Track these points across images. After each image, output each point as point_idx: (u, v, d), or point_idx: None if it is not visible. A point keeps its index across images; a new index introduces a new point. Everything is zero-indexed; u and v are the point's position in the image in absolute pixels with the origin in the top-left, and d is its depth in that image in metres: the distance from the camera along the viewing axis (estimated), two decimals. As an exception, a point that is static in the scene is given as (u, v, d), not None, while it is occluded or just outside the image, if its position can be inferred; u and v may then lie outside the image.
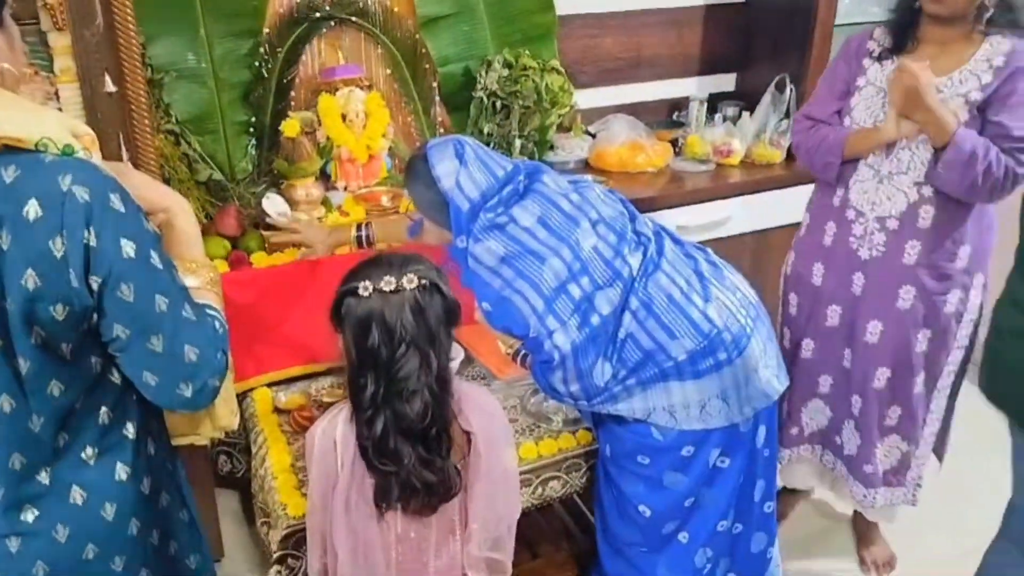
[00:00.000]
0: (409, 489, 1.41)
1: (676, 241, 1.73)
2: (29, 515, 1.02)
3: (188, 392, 1.03)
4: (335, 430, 1.45)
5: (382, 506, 1.44)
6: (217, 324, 1.08)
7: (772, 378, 1.68)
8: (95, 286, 0.94)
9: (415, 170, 1.67)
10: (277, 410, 2.09)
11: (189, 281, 1.08)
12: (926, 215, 1.89)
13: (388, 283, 1.35)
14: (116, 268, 0.94)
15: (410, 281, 1.35)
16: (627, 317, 1.58)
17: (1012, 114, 1.77)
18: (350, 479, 1.44)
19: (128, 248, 0.95)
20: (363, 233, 2.01)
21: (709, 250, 1.76)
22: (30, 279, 0.91)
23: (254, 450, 2.02)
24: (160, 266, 0.99)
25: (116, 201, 0.95)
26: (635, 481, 1.70)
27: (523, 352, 1.76)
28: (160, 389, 1.02)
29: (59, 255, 0.91)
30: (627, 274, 1.59)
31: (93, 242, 0.92)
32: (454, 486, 1.45)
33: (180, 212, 1.14)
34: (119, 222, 0.95)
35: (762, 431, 1.73)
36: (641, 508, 1.71)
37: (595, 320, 1.58)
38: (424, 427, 1.38)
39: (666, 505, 1.70)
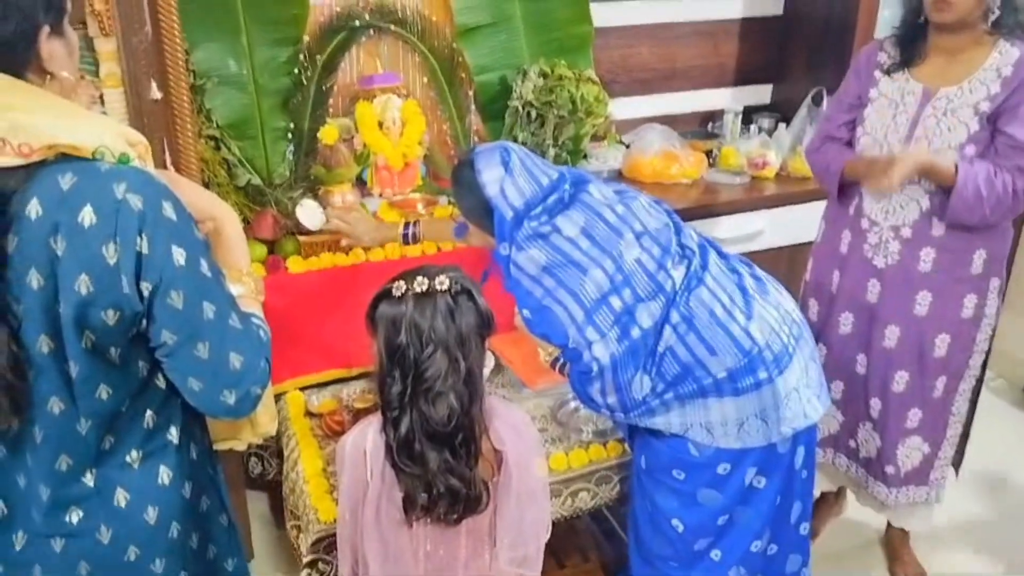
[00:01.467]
0: (435, 494, 1.41)
1: (721, 254, 1.72)
2: (74, 516, 1.04)
3: (231, 399, 1.04)
4: (365, 440, 1.46)
5: (411, 515, 1.45)
6: (262, 333, 1.10)
7: (813, 398, 1.66)
8: (146, 292, 0.96)
9: (461, 176, 1.68)
10: (309, 414, 2.11)
11: (235, 289, 1.09)
12: (940, 223, 1.89)
13: (421, 284, 1.37)
14: (167, 275, 0.96)
15: (442, 283, 1.37)
16: (668, 331, 1.57)
17: (1021, 124, 1.78)
18: (380, 488, 1.45)
19: (179, 255, 0.96)
20: (410, 231, 2.03)
21: (754, 264, 1.75)
22: (83, 284, 0.92)
23: (286, 453, 2.04)
24: (209, 274, 1.01)
25: (168, 209, 0.97)
26: (669, 495, 1.69)
27: (562, 360, 1.76)
28: (204, 395, 1.04)
29: (112, 261, 0.93)
30: (670, 287, 1.58)
31: (145, 249, 0.94)
32: (482, 499, 1.45)
33: (228, 221, 1.16)
34: (171, 230, 0.96)
35: (800, 452, 1.71)
36: (674, 522, 1.70)
37: (635, 333, 1.57)
38: (449, 432, 1.39)
39: (699, 521, 1.69)
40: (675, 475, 1.67)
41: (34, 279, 0.92)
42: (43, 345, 0.95)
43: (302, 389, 2.18)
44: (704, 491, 1.66)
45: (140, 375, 1.03)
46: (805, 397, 1.64)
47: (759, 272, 1.73)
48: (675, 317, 1.58)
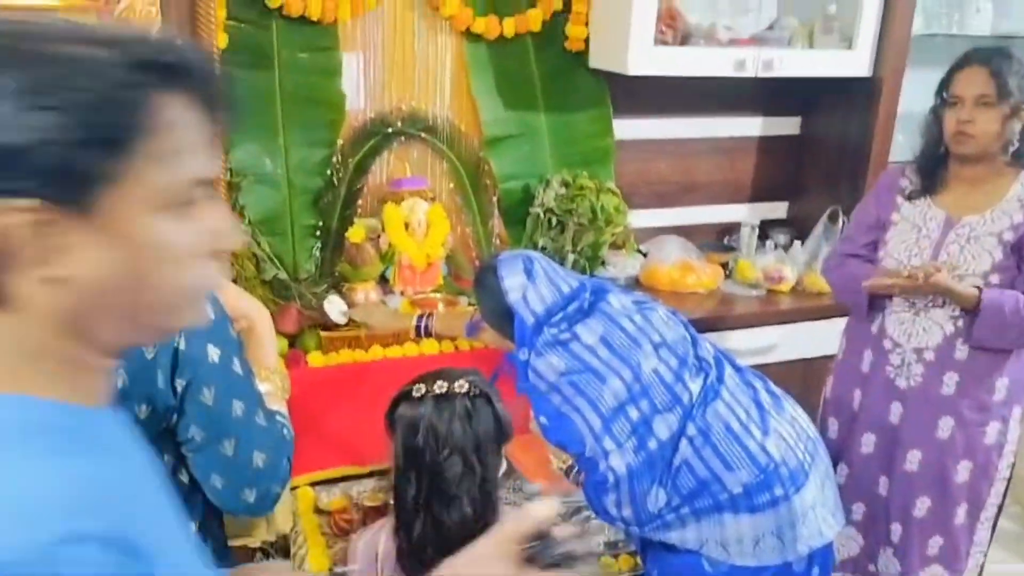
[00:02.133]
0: None
1: (736, 368, 1.73)
2: None
3: (251, 498, 1.06)
4: (378, 543, 1.46)
5: None
6: (285, 431, 1.12)
7: (828, 516, 1.64)
8: (179, 388, 0.99)
9: (484, 280, 1.72)
10: (318, 510, 2.09)
11: (263, 387, 1.12)
12: (963, 347, 1.89)
13: (440, 387, 1.39)
14: (201, 372, 0.99)
15: (461, 387, 1.39)
16: (684, 444, 1.58)
17: None
18: None
19: (214, 353, 1.00)
20: (422, 323, 2.07)
21: (768, 379, 1.76)
22: (120, 379, 0.95)
23: (293, 550, 2.02)
24: (240, 372, 1.04)
25: (207, 308, 1.00)
26: None
27: (576, 469, 1.75)
28: (225, 492, 1.05)
29: (149, 357, 0.96)
30: (687, 400, 1.60)
31: (183, 346, 0.98)
32: None
33: (261, 320, 1.20)
34: (209, 328, 1.00)
35: (815, 572, 1.68)
36: None
37: (652, 444, 1.58)
38: (463, 538, 1.38)
39: None
40: None
41: None
42: None
43: (312, 484, 2.17)
44: None
45: (166, 469, 1.04)
46: (821, 516, 1.62)
47: (773, 387, 1.74)
48: (691, 430, 1.58)
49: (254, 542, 1.25)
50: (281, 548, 2.14)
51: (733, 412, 1.61)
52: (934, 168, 1.95)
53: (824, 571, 1.71)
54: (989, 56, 1.81)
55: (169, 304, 0.60)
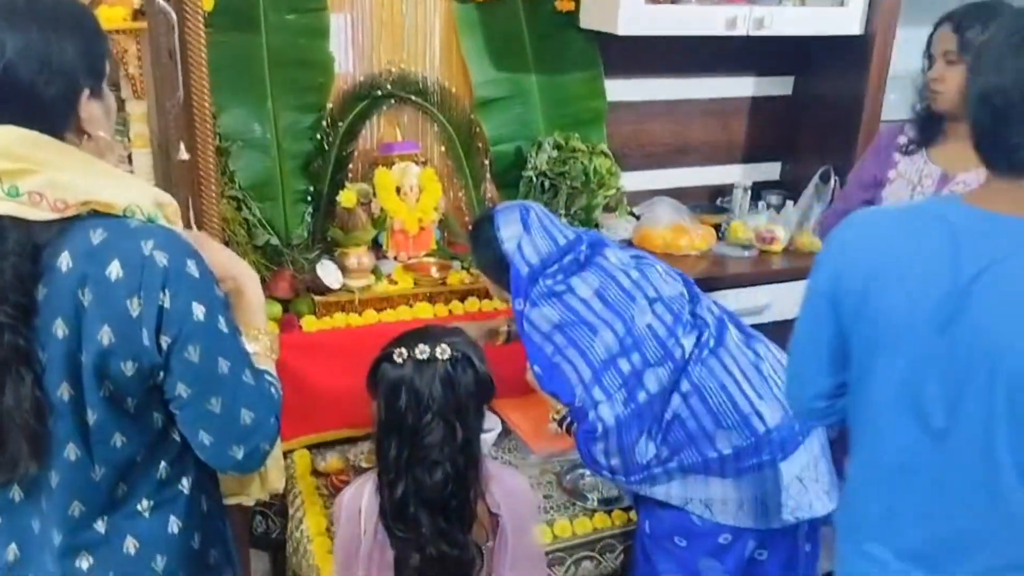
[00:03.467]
0: (426, 559, 1.41)
1: (746, 334, 1.73)
2: (84, 562, 1.05)
3: (239, 454, 1.06)
4: (362, 497, 1.47)
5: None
6: (273, 390, 1.13)
7: (823, 495, 1.65)
8: (164, 345, 0.99)
9: (480, 231, 1.73)
10: (315, 472, 2.11)
11: (251, 347, 1.13)
12: None
13: (423, 352, 1.39)
14: (186, 329, 0.99)
15: (443, 352, 1.39)
16: (676, 399, 1.59)
17: None
18: (371, 546, 1.45)
19: (199, 311, 1.00)
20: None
21: (775, 348, 1.76)
22: (105, 335, 0.96)
23: (291, 512, 2.04)
24: (226, 330, 1.04)
25: (192, 267, 1.00)
26: (670, 560, 1.69)
27: (568, 419, 1.78)
28: (213, 449, 1.06)
29: (135, 314, 0.96)
30: (679, 356, 1.61)
31: (168, 303, 0.98)
32: (475, 563, 1.45)
33: (249, 281, 1.20)
34: (193, 286, 1.00)
35: (803, 526, 1.70)
36: None
37: (642, 397, 1.59)
38: (444, 498, 1.40)
39: None
40: (677, 542, 1.67)
41: (59, 328, 0.95)
42: (64, 392, 0.97)
43: (309, 448, 2.19)
44: (705, 560, 1.66)
45: (156, 426, 1.06)
46: (813, 491, 1.63)
47: (781, 357, 1.73)
48: (684, 385, 1.60)
49: (248, 501, 1.25)
50: (280, 509, 2.17)
51: (729, 372, 1.62)
52: (929, 122, 1.97)
53: (813, 527, 1.73)
54: (957, 14, 1.84)
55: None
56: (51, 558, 1.04)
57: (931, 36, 1.91)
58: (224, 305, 1.06)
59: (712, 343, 1.64)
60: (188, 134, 1.83)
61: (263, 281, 2.20)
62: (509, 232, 1.67)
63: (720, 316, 1.72)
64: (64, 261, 0.95)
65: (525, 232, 1.66)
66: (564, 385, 1.63)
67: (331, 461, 2.13)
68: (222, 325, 1.03)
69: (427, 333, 1.45)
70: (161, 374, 1.01)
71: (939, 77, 1.84)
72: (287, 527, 2.05)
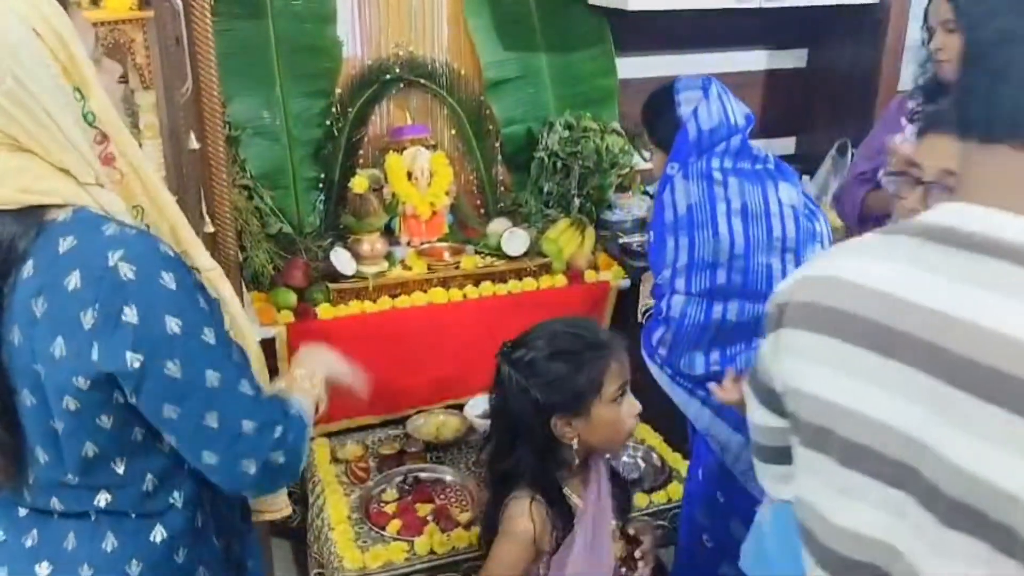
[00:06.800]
0: None
1: None
2: (69, 545, 1.02)
3: (252, 469, 0.99)
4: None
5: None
6: (291, 407, 1.07)
7: None
8: (137, 364, 0.91)
9: (658, 97, 1.76)
10: (335, 460, 2.11)
11: (296, 391, 1.13)
12: None
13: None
14: (160, 345, 0.92)
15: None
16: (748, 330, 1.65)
17: None
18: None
19: (173, 324, 0.92)
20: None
21: None
22: (58, 347, 0.91)
23: (311, 500, 2.04)
24: (213, 342, 0.97)
25: (167, 279, 0.93)
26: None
27: (650, 312, 1.81)
28: (222, 469, 0.99)
29: (87, 327, 0.90)
30: None
31: (134, 320, 0.91)
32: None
33: (320, 371, 1.24)
34: (166, 299, 0.93)
35: None
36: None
37: (716, 315, 1.63)
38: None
39: None
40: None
41: (15, 336, 0.92)
42: (27, 399, 0.94)
43: (328, 436, 2.19)
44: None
45: (135, 439, 0.99)
46: None
47: None
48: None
49: (282, 513, 1.23)
50: (299, 498, 2.17)
51: None
52: (936, 90, 1.95)
53: None
54: None
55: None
56: (32, 542, 1.02)
57: (926, 8, 1.93)
58: (209, 318, 0.98)
59: None
60: (197, 123, 1.81)
61: (276, 271, 2.22)
62: (688, 96, 1.69)
63: None
64: (28, 268, 0.91)
65: (704, 98, 1.68)
66: (661, 259, 1.67)
67: (350, 448, 2.13)
68: (207, 337, 0.95)
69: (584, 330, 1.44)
70: (132, 394, 0.93)
71: (941, 46, 1.85)
72: (307, 515, 2.05)
